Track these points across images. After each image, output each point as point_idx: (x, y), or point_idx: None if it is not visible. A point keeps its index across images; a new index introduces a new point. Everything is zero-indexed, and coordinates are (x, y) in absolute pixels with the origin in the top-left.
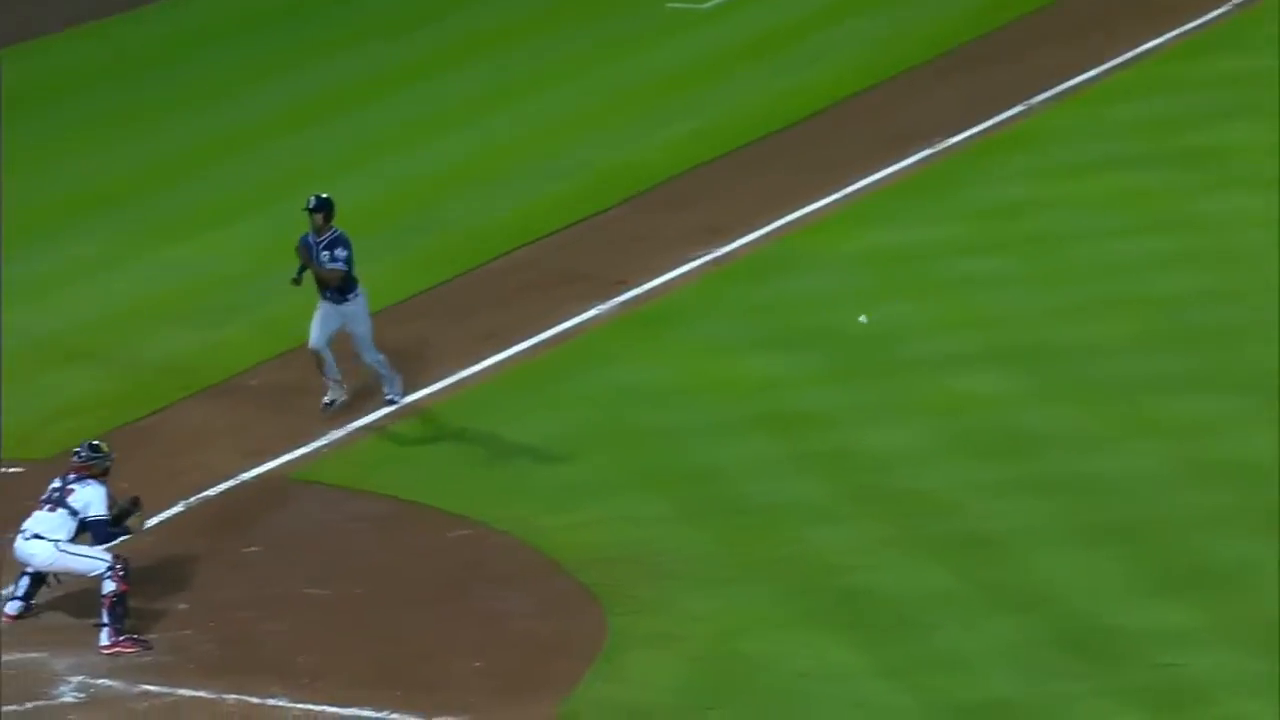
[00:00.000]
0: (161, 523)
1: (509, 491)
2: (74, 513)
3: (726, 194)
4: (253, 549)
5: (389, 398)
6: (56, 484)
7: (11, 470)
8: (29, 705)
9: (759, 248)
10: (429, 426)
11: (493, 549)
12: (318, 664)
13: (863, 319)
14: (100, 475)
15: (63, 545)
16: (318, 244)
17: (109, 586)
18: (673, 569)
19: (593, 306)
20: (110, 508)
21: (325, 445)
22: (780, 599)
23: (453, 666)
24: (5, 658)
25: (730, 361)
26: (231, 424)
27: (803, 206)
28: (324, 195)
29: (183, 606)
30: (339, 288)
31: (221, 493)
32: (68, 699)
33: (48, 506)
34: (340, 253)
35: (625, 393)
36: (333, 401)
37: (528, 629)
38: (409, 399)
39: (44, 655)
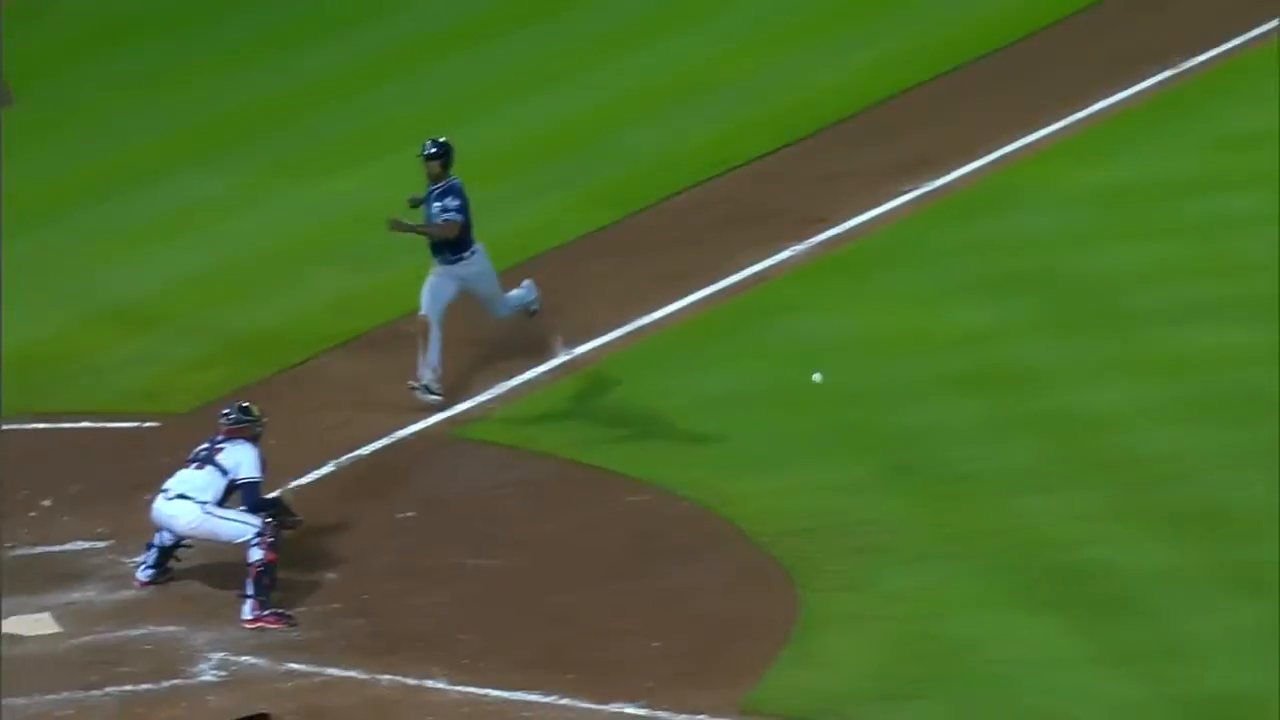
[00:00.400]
0: (309, 484)
1: (691, 454)
2: (223, 472)
3: (938, 122)
4: (408, 514)
5: (533, 309)
6: (204, 446)
7: (146, 425)
8: (165, 684)
9: (972, 183)
10: (603, 380)
11: (673, 518)
12: (480, 643)
13: (817, 377)
14: (252, 439)
15: (209, 507)
16: (429, 194)
17: (256, 555)
18: (871, 542)
19: (787, 248)
20: (263, 471)
21: (489, 400)
22: (988, 576)
23: (628, 648)
24: (138, 631)
25: (935, 311)
26: (387, 376)
27: (1022, 137)
28: (441, 139)
29: (331, 577)
30: (452, 245)
31: (375, 451)
32: (207, 678)
33: (194, 465)
34: (451, 202)
35: (820, 345)
36: (425, 389)
37: (711, 607)
38: (580, 350)
39: (182, 629)
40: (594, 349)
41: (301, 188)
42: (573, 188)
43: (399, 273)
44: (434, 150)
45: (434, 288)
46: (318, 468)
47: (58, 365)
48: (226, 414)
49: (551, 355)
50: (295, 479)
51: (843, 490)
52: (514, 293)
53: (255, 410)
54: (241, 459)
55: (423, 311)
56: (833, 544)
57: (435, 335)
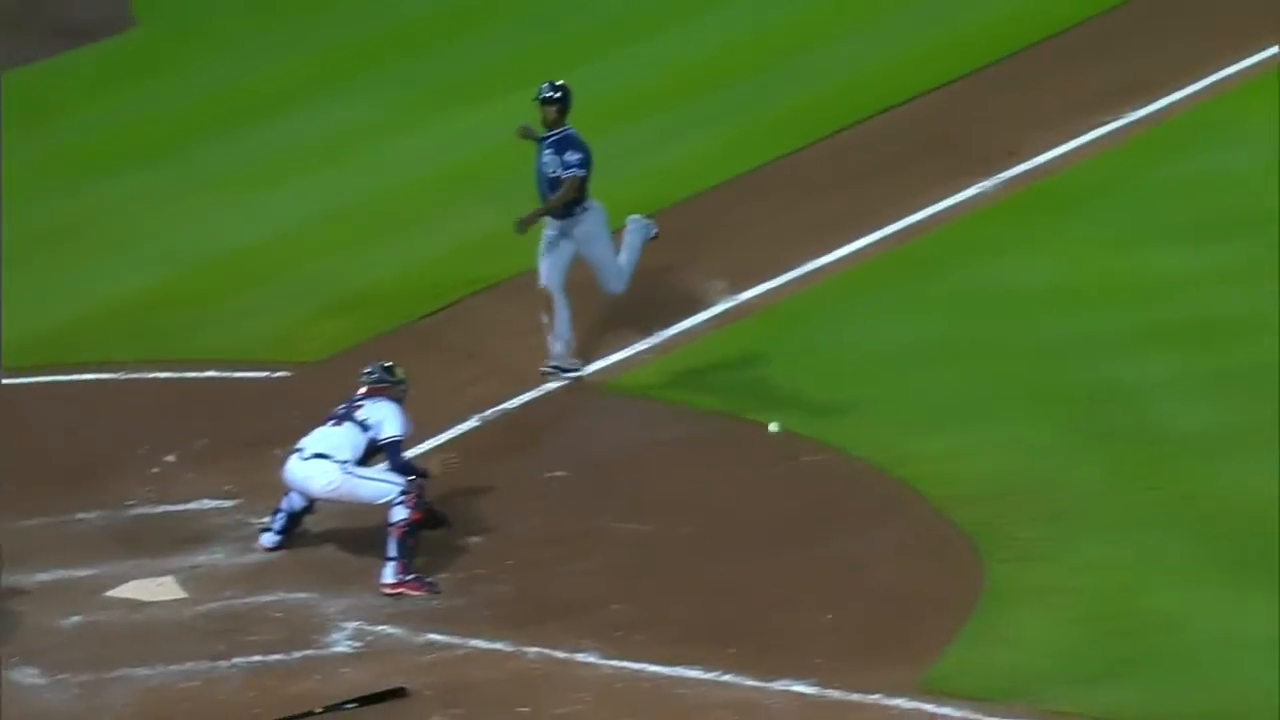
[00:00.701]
0: (451, 441)
1: (865, 410)
2: (364, 428)
3: (1143, 47)
4: (559, 474)
5: (653, 235)
6: (342, 406)
7: (277, 375)
8: (296, 655)
9: (1179, 115)
10: (769, 330)
11: (846, 480)
12: (634, 614)
13: (773, 427)
14: (394, 400)
15: (349, 467)
16: (543, 141)
17: (400, 514)
18: (1064, 507)
19: (972, 185)
20: (407, 430)
21: (646, 351)
22: (1195, 546)
23: (797, 621)
24: (268, 598)
25: (1137, 255)
26: (537, 323)
27: (1236, 63)
28: (559, 83)
29: (475, 541)
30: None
31: (522, 406)
32: (341, 649)
33: (331, 422)
34: (571, 156)
35: (1009, 293)
36: (557, 369)
37: (887, 577)
38: (743, 296)
39: (314, 596)
40: (759, 296)
41: (446, 118)
42: (734, 121)
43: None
44: (551, 94)
45: (549, 253)
46: (461, 422)
47: (181, 310)
48: (368, 372)
49: (712, 302)
50: (438, 435)
51: (1033, 451)
52: (623, 256)
53: (399, 372)
54: (384, 416)
55: (541, 282)
56: (1021, 509)
57: (560, 305)
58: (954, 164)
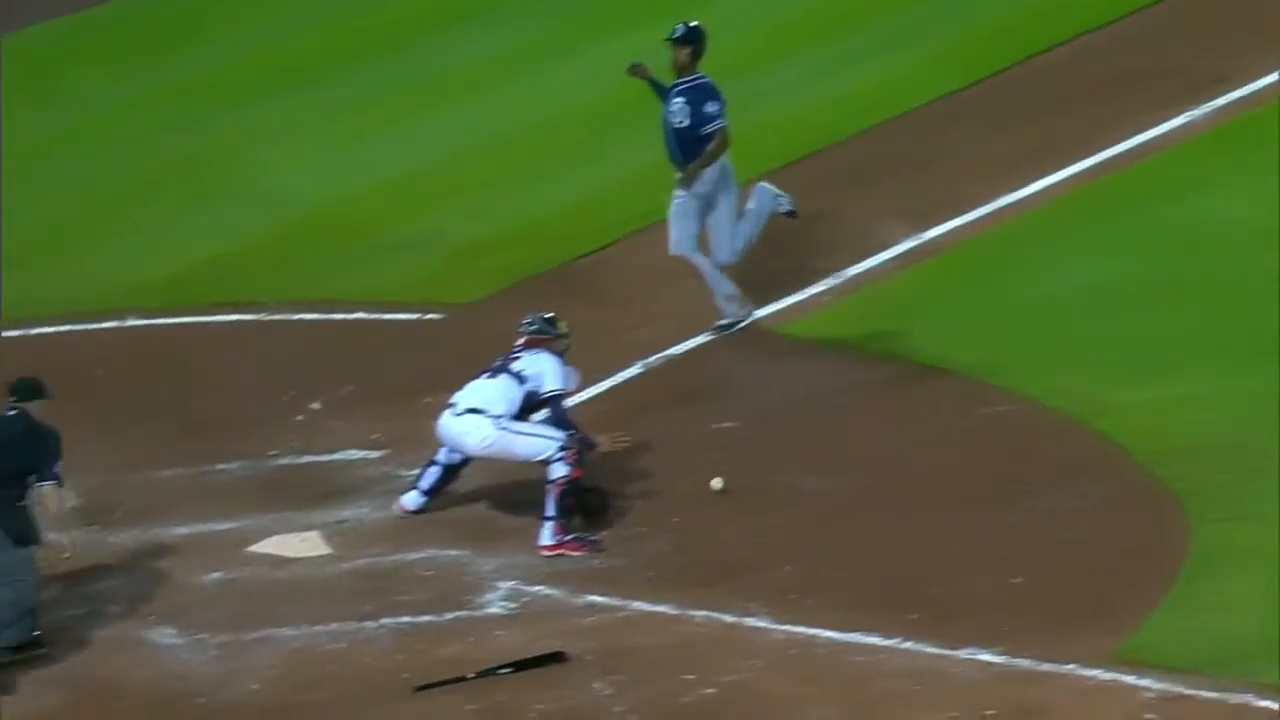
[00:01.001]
0: (611, 390)
1: (1062, 356)
2: (520, 381)
3: None
4: (727, 425)
5: (785, 210)
6: (499, 359)
7: (429, 317)
8: (448, 616)
9: None
10: (957, 269)
11: (1040, 432)
12: (809, 576)
13: (716, 483)
14: (554, 353)
15: (505, 422)
16: (672, 89)
17: (559, 471)
18: None
19: (1181, 113)
20: (568, 384)
21: (822, 293)
22: None
23: (984, 585)
24: (417, 555)
25: None
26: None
27: None
28: (694, 23)
29: (638, 497)
30: (693, 147)
31: (688, 352)
32: (495, 610)
33: (487, 375)
34: (711, 107)
35: (1217, 230)
36: (731, 324)
37: (1084, 538)
38: (930, 234)
39: (466, 554)
40: (947, 232)
41: (606, 43)
42: (925, 43)
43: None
44: (684, 34)
45: (678, 219)
46: (623, 370)
47: (327, 247)
48: (527, 323)
49: (894, 240)
50: (599, 383)
51: (1248, 401)
52: (745, 226)
53: (561, 325)
54: (543, 369)
55: (671, 250)
56: (1232, 465)
57: (704, 267)
58: (1160, 91)
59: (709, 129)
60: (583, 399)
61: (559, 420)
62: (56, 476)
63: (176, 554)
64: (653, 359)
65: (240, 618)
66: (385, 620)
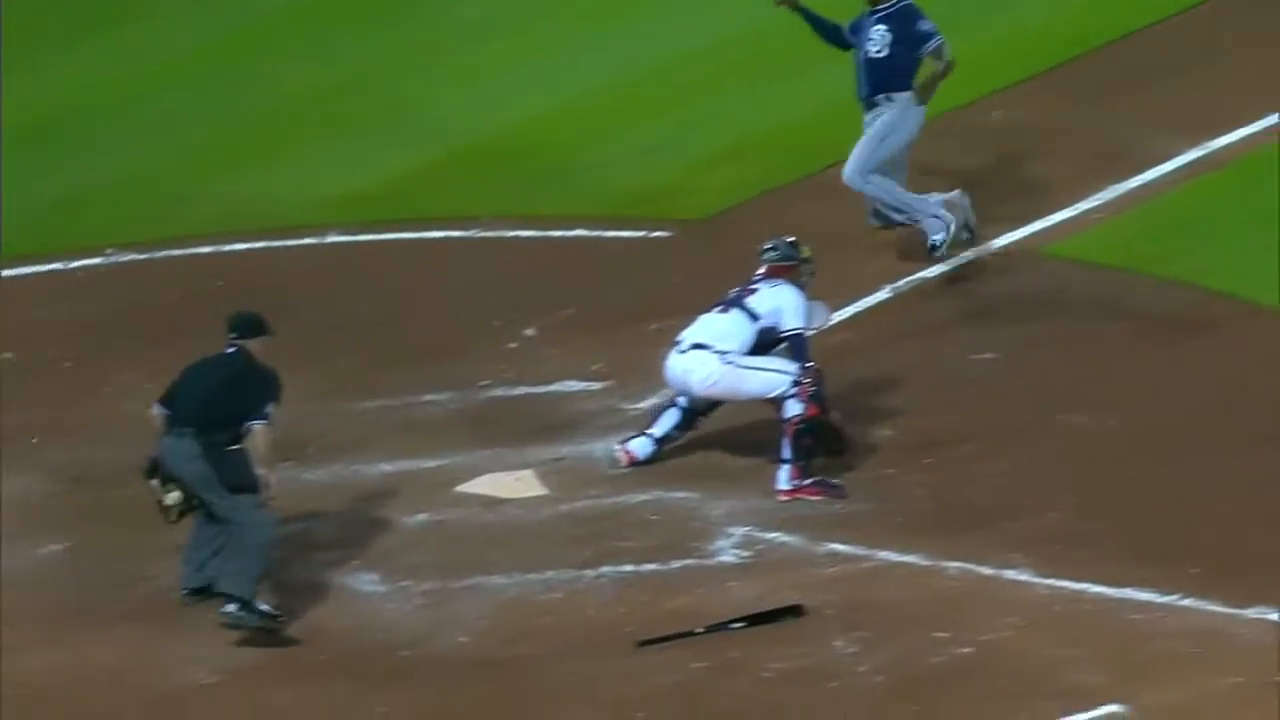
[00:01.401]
0: (857, 318)
1: None
2: (753, 317)
3: None
4: (985, 356)
5: (966, 234)
6: (734, 290)
7: (655, 235)
8: (674, 565)
9: None
10: (1243, 185)
11: None
12: (1076, 525)
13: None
14: (796, 284)
15: (731, 357)
16: (868, 19)
17: (794, 409)
18: None
19: None
20: (810, 322)
21: (1095, 210)
22: None
23: (1274, 537)
24: (641, 497)
25: None
26: (959, 171)
27: None
28: None
29: (885, 436)
30: (881, 79)
31: (941, 274)
32: (726, 558)
33: (718, 309)
34: (925, 24)
35: None
36: (938, 244)
37: None
38: (1213, 144)
39: (695, 497)
40: (1230, 144)
41: None
42: None
43: (989, 34)
44: None
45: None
46: (870, 294)
47: (543, 157)
48: (769, 249)
49: (1167, 154)
50: (843, 308)
51: None
52: (902, 193)
53: (805, 250)
54: (783, 304)
55: (845, 176)
56: None
57: (883, 191)
58: None
59: (931, 46)
60: (830, 323)
61: (801, 359)
62: (268, 417)
63: (379, 494)
64: (901, 282)
65: (448, 564)
66: (605, 568)
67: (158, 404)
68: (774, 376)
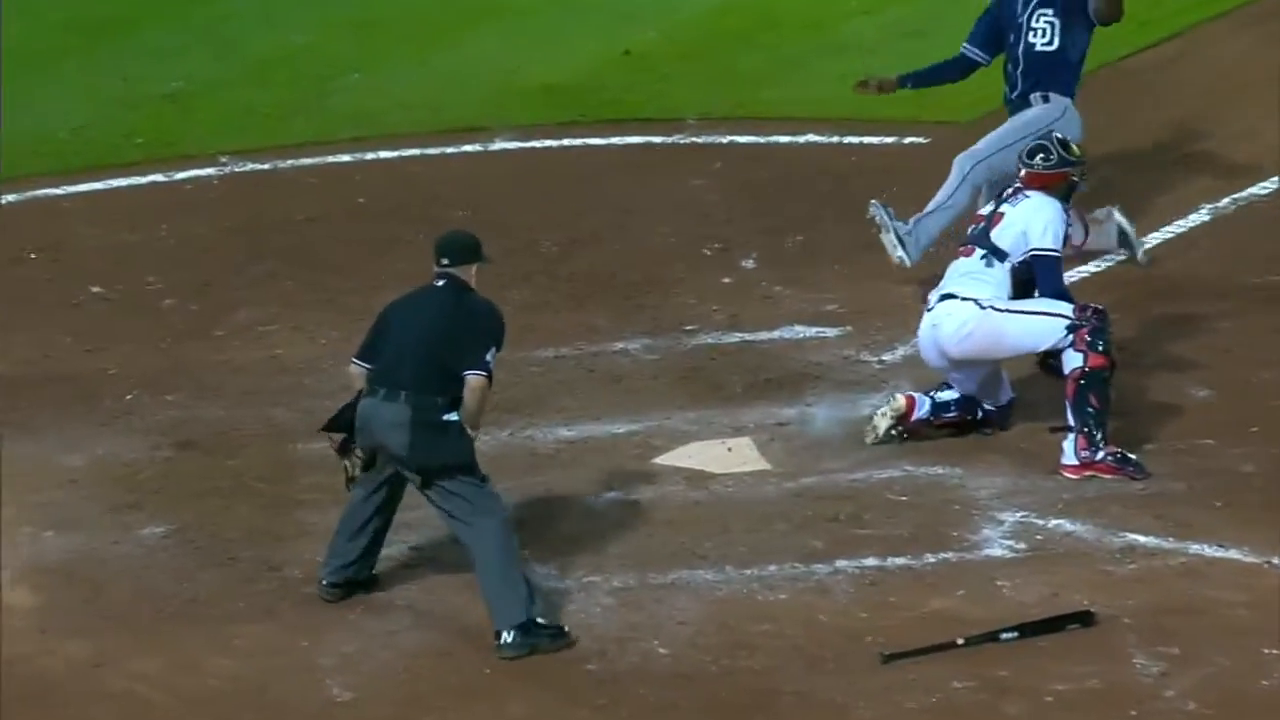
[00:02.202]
0: (1167, 242)
1: None
2: (998, 255)
3: None
4: None
5: (1140, 259)
6: (987, 208)
7: (906, 141)
8: (929, 559)
9: None
10: None
11: None
12: None
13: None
14: (1062, 194)
15: (988, 300)
16: (1026, 4)
17: (1074, 360)
18: None
19: None
20: (1067, 235)
21: None
22: None
23: None
24: (886, 473)
25: None
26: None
27: None
28: None
29: (1200, 397)
30: (1047, 79)
31: (1275, 193)
32: (995, 551)
33: (964, 249)
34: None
35: None
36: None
37: None
38: None
39: (954, 472)
40: None
41: None
42: None
43: None
44: None
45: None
46: (1183, 215)
47: (763, 42)
48: (1031, 155)
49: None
50: (1151, 232)
51: None
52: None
53: (1076, 150)
54: (1029, 220)
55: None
56: None
57: (956, 195)
58: None
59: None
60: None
61: (1052, 291)
62: (487, 366)
63: (559, 465)
64: (1224, 202)
65: (644, 555)
66: (841, 562)
67: (356, 359)
68: (1044, 322)
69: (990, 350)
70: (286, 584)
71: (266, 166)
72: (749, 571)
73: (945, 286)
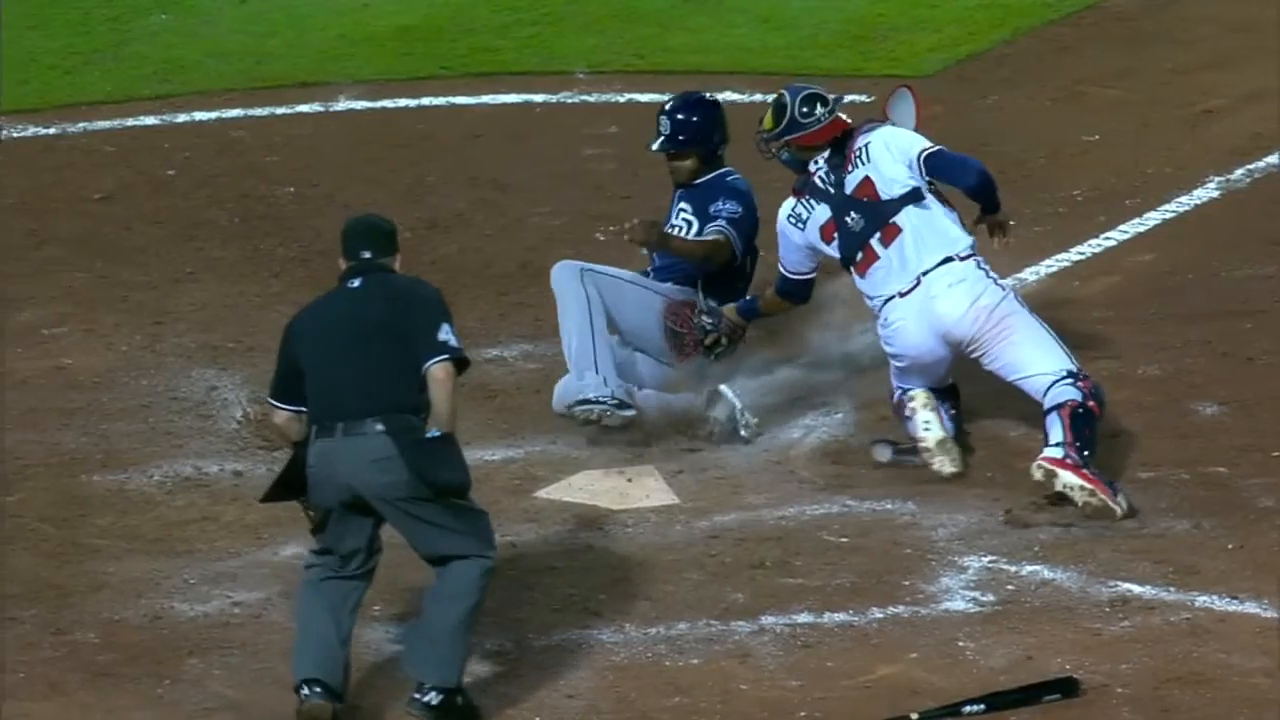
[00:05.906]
0: (1157, 229)
1: None
2: (915, 201)
3: None
4: None
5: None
6: (823, 212)
7: (848, 98)
8: (874, 614)
9: None
10: None
11: None
12: None
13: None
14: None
15: (1008, 285)
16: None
17: (1070, 394)
18: None
19: None
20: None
21: None
22: None
23: None
24: (823, 509)
25: None
26: None
27: None
28: None
29: (1208, 412)
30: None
31: None
32: (956, 604)
33: (867, 251)
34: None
35: None
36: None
37: None
38: None
39: (907, 508)
40: None
41: None
42: None
43: None
44: None
45: None
46: (1187, 190)
47: None
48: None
49: None
50: (1142, 214)
51: None
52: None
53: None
54: (892, 143)
55: None
56: None
57: None
58: None
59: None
60: (1124, 232)
61: (974, 164)
62: (447, 348)
63: None
64: (1237, 174)
65: (523, 611)
66: (768, 619)
67: (275, 401)
68: (1054, 346)
69: (990, 342)
70: (76, 650)
71: (52, 131)
72: (653, 631)
73: (912, 267)
